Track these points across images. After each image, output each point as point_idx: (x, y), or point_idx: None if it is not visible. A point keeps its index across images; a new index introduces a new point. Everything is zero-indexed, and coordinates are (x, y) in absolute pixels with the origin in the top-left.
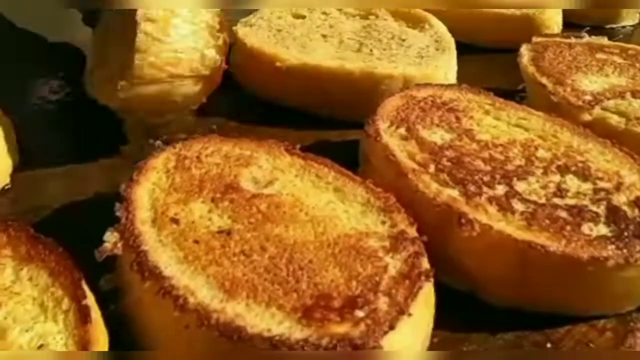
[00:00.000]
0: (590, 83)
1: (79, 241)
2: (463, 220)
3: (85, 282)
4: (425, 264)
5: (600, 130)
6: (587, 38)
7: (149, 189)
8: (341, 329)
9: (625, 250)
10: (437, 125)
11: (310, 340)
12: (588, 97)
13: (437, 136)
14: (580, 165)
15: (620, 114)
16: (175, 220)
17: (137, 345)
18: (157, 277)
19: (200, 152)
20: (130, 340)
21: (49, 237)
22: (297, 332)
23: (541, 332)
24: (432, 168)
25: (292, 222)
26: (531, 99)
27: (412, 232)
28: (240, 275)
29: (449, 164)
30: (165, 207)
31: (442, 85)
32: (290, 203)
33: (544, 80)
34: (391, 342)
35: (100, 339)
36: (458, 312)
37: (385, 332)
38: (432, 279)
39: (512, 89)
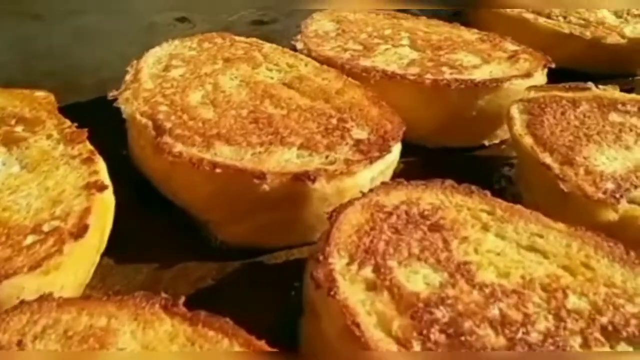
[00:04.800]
0: (609, 161)
1: None
2: None
3: None
4: None
5: (631, 233)
6: (593, 89)
7: None
8: None
9: None
10: (418, 259)
11: None
12: (610, 185)
13: (419, 279)
14: (635, 323)
15: None
16: None
17: None
18: None
19: (25, 332)
20: None
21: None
22: None
23: None
24: (417, 348)
25: None
26: (525, 183)
27: None
28: None
29: (442, 337)
30: None
31: (417, 185)
32: None
33: (546, 158)
34: None
35: None
36: None
37: None
38: None
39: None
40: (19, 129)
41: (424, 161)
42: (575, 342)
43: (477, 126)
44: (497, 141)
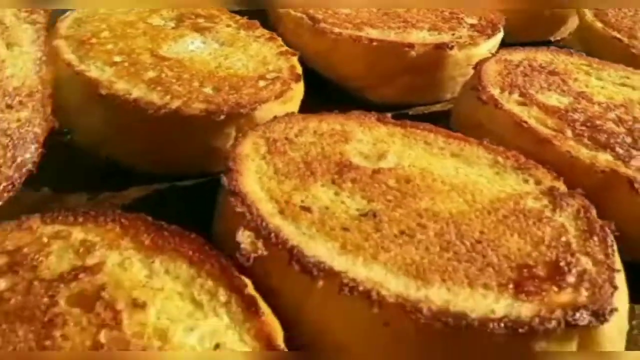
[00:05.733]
0: None
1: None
2: (637, 185)
3: None
4: (596, 215)
5: None
6: None
7: (254, 178)
8: (564, 297)
9: None
10: (549, 90)
11: (544, 315)
12: None
13: (555, 100)
14: None
15: None
16: (306, 209)
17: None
18: (329, 273)
19: (287, 133)
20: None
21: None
22: (523, 309)
23: None
24: (569, 133)
25: (435, 194)
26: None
27: (562, 186)
28: (418, 258)
29: (584, 128)
30: (286, 195)
31: (532, 47)
32: (418, 175)
33: (616, 34)
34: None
35: (277, 330)
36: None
37: (612, 293)
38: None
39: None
40: (200, 20)
41: None
42: None
43: (546, 24)
44: (559, 38)
